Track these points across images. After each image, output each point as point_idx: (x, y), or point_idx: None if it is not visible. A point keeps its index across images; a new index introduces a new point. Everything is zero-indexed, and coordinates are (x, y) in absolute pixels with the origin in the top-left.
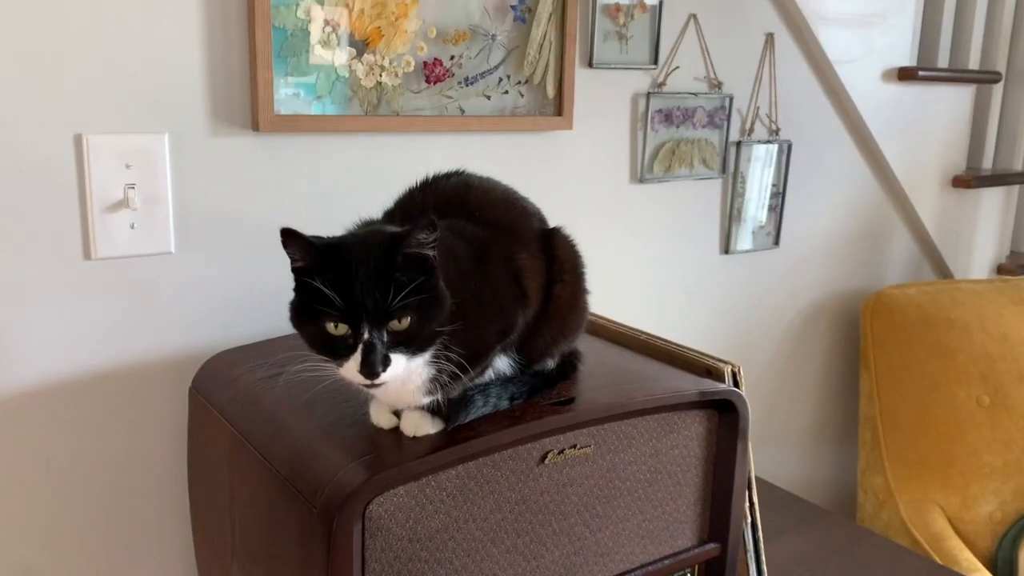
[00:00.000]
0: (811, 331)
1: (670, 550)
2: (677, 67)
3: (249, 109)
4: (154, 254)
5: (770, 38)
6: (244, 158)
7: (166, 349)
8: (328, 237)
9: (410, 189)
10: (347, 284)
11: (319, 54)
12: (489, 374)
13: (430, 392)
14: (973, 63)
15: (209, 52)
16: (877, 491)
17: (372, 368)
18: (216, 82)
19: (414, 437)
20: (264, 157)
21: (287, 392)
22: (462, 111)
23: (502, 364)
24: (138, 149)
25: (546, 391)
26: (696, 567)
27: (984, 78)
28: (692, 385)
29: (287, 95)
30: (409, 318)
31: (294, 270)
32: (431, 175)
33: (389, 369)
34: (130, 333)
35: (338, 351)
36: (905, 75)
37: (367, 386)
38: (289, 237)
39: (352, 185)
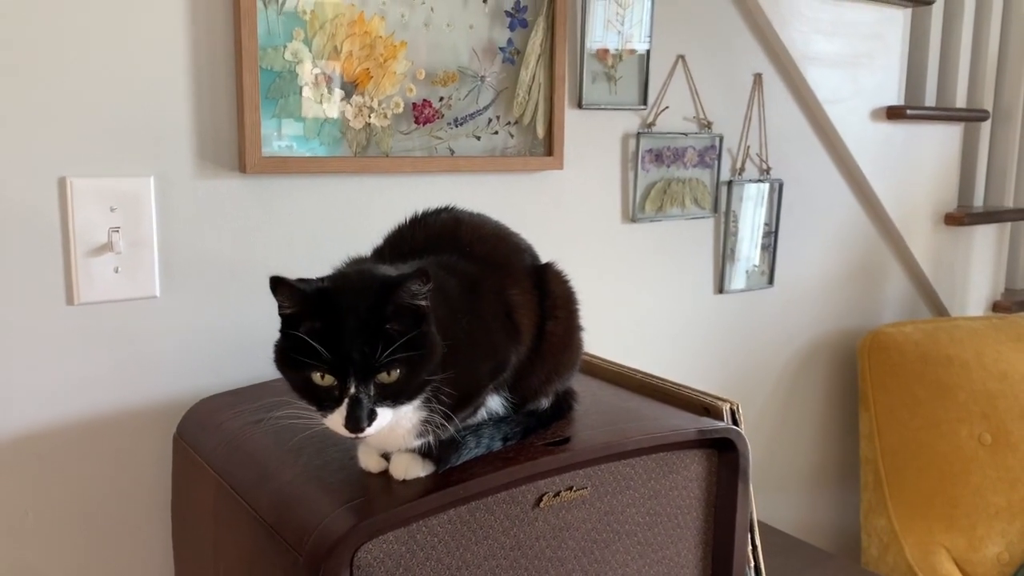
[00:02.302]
0: (808, 371)
1: None
2: (666, 107)
3: (236, 151)
4: (139, 298)
5: (758, 78)
6: (231, 200)
7: (150, 396)
8: (317, 280)
9: (399, 226)
10: (335, 334)
11: (307, 96)
12: (482, 414)
13: (421, 434)
14: (960, 102)
15: (196, 94)
16: (881, 533)
17: (357, 423)
18: (203, 124)
19: (404, 481)
20: (251, 199)
21: (273, 437)
22: (452, 152)
23: (495, 404)
24: (123, 192)
25: (540, 431)
26: None
27: (972, 116)
28: (690, 423)
29: (275, 136)
30: (398, 371)
31: (282, 315)
32: (420, 211)
33: (375, 423)
34: (113, 379)
35: (323, 402)
36: (894, 114)
37: (351, 438)
38: (278, 285)
39: (341, 227)
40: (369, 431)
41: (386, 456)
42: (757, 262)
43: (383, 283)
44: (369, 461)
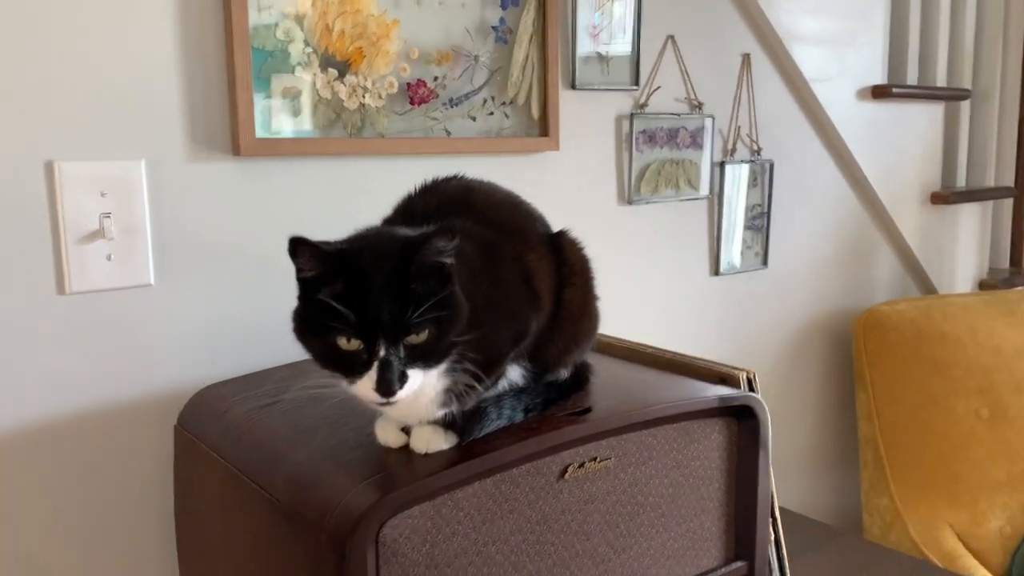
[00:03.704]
0: (804, 352)
1: (696, 570)
2: (659, 87)
3: (229, 133)
4: (133, 287)
5: (746, 58)
6: (225, 184)
7: (148, 387)
8: (338, 242)
9: (409, 195)
10: (361, 296)
11: (300, 75)
12: (503, 384)
13: (445, 404)
14: (940, 81)
15: (186, 74)
16: (883, 512)
17: (388, 386)
18: (194, 105)
19: (426, 454)
20: (246, 182)
21: (282, 420)
22: (448, 133)
23: (514, 374)
24: (113, 176)
25: (560, 402)
26: None
27: (955, 95)
28: (710, 392)
29: (268, 118)
30: (427, 331)
31: (301, 280)
32: (430, 179)
33: (406, 386)
34: (108, 371)
35: (350, 367)
36: (879, 93)
37: (381, 404)
38: (299, 246)
39: (338, 210)
40: (401, 394)
41: (406, 430)
42: (751, 243)
43: (407, 242)
44: (388, 436)
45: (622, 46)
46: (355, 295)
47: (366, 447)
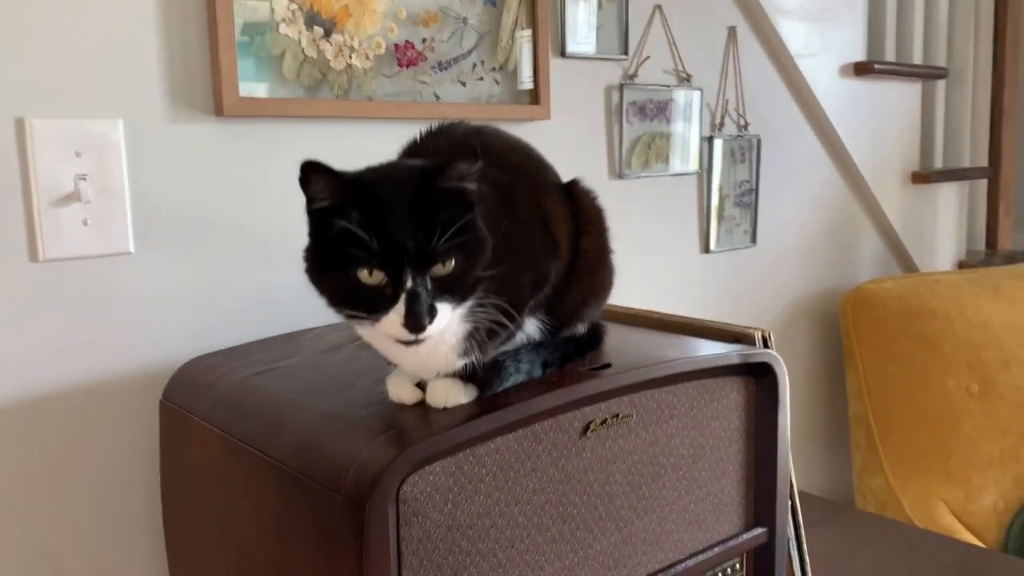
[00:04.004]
0: (792, 332)
1: (718, 536)
2: (648, 57)
3: (211, 92)
4: (111, 254)
5: (732, 31)
6: (207, 146)
7: (128, 361)
8: (353, 172)
9: (415, 140)
10: (383, 224)
11: (285, 32)
12: (520, 338)
13: (465, 353)
14: (916, 61)
15: (167, 29)
16: (877, 492)
17: (418, 320)
18: (174, 63)
19: (444, 408)
20: (229, 144)
21: (282, 386)
22: (437, 98)
23: (531, 328)
24: (89, 135)
25: (578, 359)
26: (744, 556)
27: (936, 73)
28: (729, 349)
29: (252, 77)
30: (453, 261)
31: (313, 212)
32: (435, 125)
33: (435, 321)
34: (85, 344)
35: (374, 303)
36: (861, 69)
37: (408, 343)
38: (313, 172)
39: None
40: (430, 330)
41: (420, 386)
42: (739, 220)
43: (427, 168)
44: (402, 392)
45: (611, 14)
46: (376, 224)
47: (377, 404)
